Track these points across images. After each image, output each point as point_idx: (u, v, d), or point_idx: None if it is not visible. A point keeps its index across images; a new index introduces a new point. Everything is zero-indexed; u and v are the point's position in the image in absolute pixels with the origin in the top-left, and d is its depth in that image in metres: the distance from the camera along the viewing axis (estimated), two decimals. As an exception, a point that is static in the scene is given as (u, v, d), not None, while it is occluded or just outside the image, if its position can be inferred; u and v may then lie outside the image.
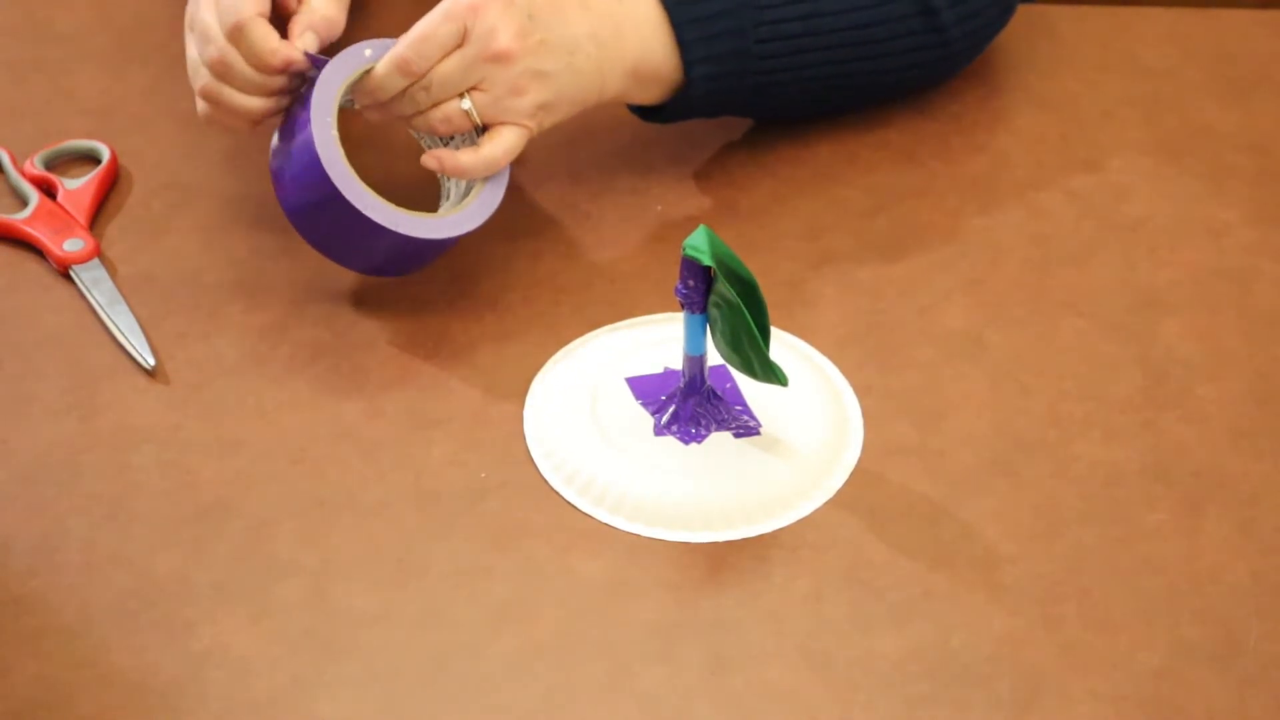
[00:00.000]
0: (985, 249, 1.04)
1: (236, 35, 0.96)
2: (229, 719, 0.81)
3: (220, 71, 0.98)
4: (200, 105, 1.01)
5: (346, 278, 1.02)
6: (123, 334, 0.98)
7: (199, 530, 0.89)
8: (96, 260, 1.03)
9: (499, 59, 0.97)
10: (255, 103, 0.99)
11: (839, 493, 0.90)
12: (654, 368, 0.95)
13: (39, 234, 1.04)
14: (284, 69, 0.97)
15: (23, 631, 0.84)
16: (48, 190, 1.08)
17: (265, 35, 0.97)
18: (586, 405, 0.94)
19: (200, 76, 0.99)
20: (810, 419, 0.93)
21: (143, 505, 0.90)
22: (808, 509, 0.89)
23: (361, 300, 1.01)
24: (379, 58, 0.97)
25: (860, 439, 0.93)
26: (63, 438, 0.94)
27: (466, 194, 1.00)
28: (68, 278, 1.03)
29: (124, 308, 1.00)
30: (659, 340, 0.97)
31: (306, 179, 0.96)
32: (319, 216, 0.97)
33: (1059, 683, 0.81)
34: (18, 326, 1.01)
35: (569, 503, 0.90)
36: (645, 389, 0.94)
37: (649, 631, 0.84)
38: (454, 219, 0.98)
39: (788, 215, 1.06)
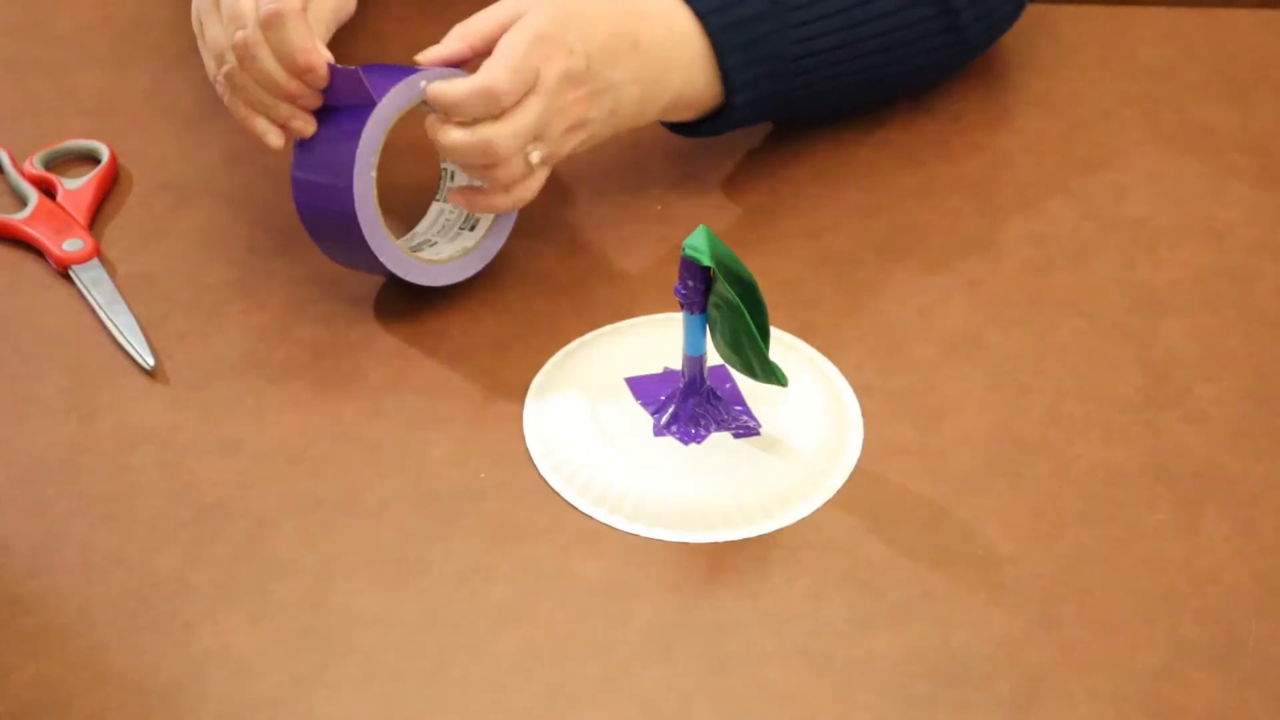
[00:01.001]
0: (985, 249, 1.04)
1: (273, 23, 0.92)
2: (229, 719, 0.81)
3: (242, 55, 0.94)
4: (222, 90, 0.97)
5: (346, 278, 1.02)
6: (122, 334, 0.98)
7: (199, 530, 0.89)
8: (96, 260, 1.03)
9: (562, 111, 0.96)
10: (270, 101, 0.95)
11: (839, 493, 0.90)
12: (654, 368, 0.95)
13: (39, 234, 1.04)
14: (304, 72, 0.93)
15: (23, 631, 0.84)
16: (47, 190, 1.08)
17: (302, 32, 0.93)
18: (586, 405, 0.94)
19: (227, 61, 0.95)
20: (810, 419, 0.93)
21: (143, 505, 0.90)
22: (808, 509, 0.89)
23: (361, 300, 1.01)
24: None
25: (860, 439, 0.92)
26: (63, 438, 0.94)
27: (470, 216, 1.01)
28: (67, 278, 1.03)
29: (123, 308, 1.00)
30: (659, 340, 0.97)
31: (333, 204, 0.95)
32: (331, 234, 0.97)
33: (1059, 683, 0.81)
34: (18, 326, 1.01)
35: (569, 503, 0.90)
36: (645, 389, 0.94)
37: (649, 631, 0.84)
38: (458, 265, 0.99)
39: (788, 215, 1.06)
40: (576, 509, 0.90)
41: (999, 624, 0.84)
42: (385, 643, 0.84)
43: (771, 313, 0.87)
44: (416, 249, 0.99)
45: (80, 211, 1.06)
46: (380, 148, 0.95)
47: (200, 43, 0.98)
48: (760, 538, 0.88)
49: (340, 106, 0.95)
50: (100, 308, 1.00)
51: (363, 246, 0.95)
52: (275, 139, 0.96)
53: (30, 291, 1.03)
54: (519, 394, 0.95)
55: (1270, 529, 0.88)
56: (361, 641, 0.84)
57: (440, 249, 1.00)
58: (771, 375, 0.87)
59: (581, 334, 0.99)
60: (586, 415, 0.93)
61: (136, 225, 1.07)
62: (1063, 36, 1.18)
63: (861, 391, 0.95)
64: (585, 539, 0.88)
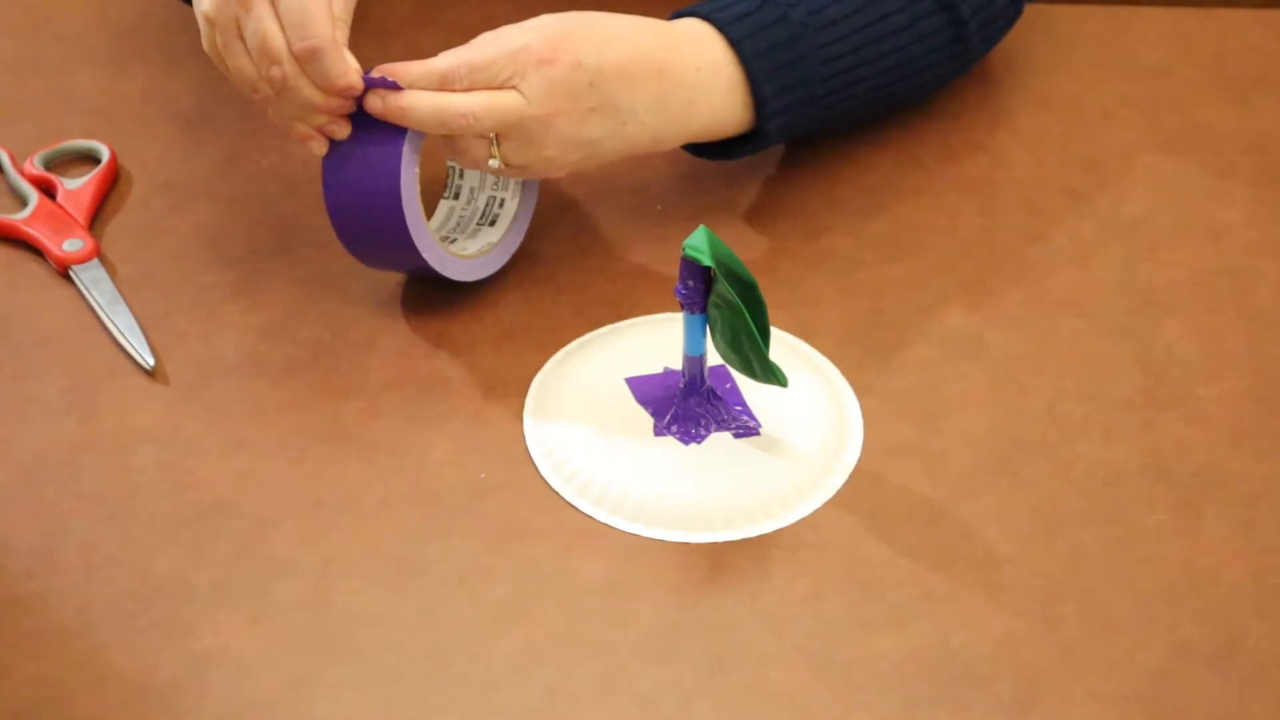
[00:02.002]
0: (985, 249, 1.04)
1: (310, 58, 0.91)
2: (229, 719, 0.81)
3: (279, 89, 0.93)
4: (274, 115, 0.96)
5: (346, 278, 1.02)
6: (122, 334, 0.98)
7: (199, 530, 0.89)
8: (96, 260, 1.03)
9: (548, 120, 0.94)
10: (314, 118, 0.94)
11: (839, 493, 0.90)
12: (654, 368, 0.95)
13: (38, 234, 1.04)
14: (345, 92, 0.93)
15: (23, 632, 0.84)
16: (47, 190, 1.08)
17: (338, 59, 0.91)
18: (586, 405, 0.94)
19: (260, 90, 0.94)
20: (810, 419, 0.93)
21: (143, 505, 0.90)
22: (808, 509, 0.89)
23: (361, 300, 1.01)
24: None
25: (860, 439, 0.93)
26: (63, 438, 0.94)
27: (487, 212, 1.01)
28: (67, 278, 1.03)
29: (123, 308, 1.00)
30: (659, 340, 0.97)
31: (377, 204, 0.94)
32: (371, 234, 0.96)
33: (1059, 683, 0.81)
34: (18, 326, 1.01)
35: (569, 503, 0.90)
36: (645, 389, 0.94)
37: (649, 631, 0.84)
38: (488, 259, 1.00)
39: (788, 215, 1.06)
40: (576, 509, 0.90)
41: (999, 624, 0.84)
42: (385, 643, 0.84)
43: (771, 313, 0.87)
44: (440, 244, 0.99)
45: (80, 211, 1.06)
46: (421, 145, 0.95)
47: (222, 67, 0.96)
48: (760, 538, 0.88)
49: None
50: (100, 308, 1.00)
51: (406, 244, 0.95)
52: (319, 147, 0.95)
53: (30, 291, 1.03)
54: (519, 394, 0.95)
55: (1270, 529, 0.88)
56: (361, 641, 0.84)
57: (463, 244, 1.00)
58: (771, 375, 0.87)
59: (581, 334, 0.99)
60: (586, 415, 0.93)
61: (136, 225, 1.07)
62: (1063, 36, 1.18)
63: (861, 391, 0.95)
64: (585, 539, 0.88)
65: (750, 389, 0.94)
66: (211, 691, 0.82)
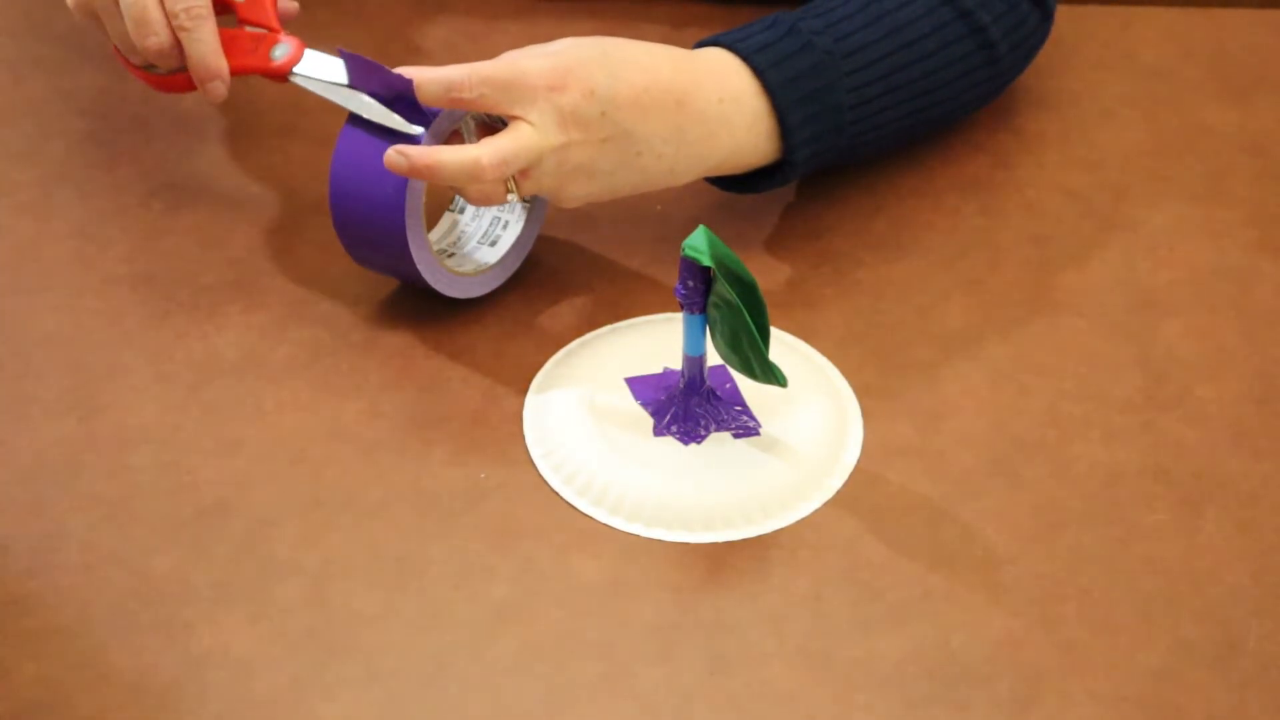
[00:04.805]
0: (985, 249, 1.04)
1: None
2: (229, 719, 0.81)
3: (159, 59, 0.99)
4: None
5: (346, 278, 1.02)
6: (369, 111, 0.94)
7: (199, 530, 0.89)
8: (307, 50, 0.98)
9: (561, 150, 0.92)
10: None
11: (839, 493, 0.90)
12: (654, 368, 0.95)
13: (250, 61, 0.99)
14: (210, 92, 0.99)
15: (23, 632, 0.84)
16: (226, 9, 1.02)
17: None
18: (586, 405, 0.94)
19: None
20: (810, 419, 0.93)
21: (143, 505, 0.90)
22: (807, 509, 0.89)
23: (361, 300, 1.01)
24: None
25: (860, 439, 0.93)
26: (63, 438, 0.94)
27: (489, 232, 1.01)
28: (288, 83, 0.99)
29: (348, 91, 0.96)
30: (659, 340, 0.97)
31: (381, 215, 0.94)
32: (370, 241, 0.96)
33: (1059, 683, 0.81)
34: (17, 326, 1.01)
35: (569, 503, 0.90)
36: (645, 389, 0.94)
37: (649, 631, 0.84)
38: (481, 279, 0.99)
39: (788, 215, 1.06)
40: (576, 509, 0.90)
41: (999, 624, 0.84)
42: (385, 643, 0.84)
43: (771, 313, 0.87)
44: (438, 257, 0.99)
45: (266, 18, 1.00)
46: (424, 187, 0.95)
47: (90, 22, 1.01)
48: (760, 538, 0.88)
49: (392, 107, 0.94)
50: (337, 96, 0.96)
51: (405, 257, 0.95)
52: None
53: (29, 292, 1.03)
54: (519, 394, 0.95)
55: (1270, 529, 0.88)
56: (361, 641, 0.84)
57: (460, 261, 1.00)
58: (771, 375, 0.87)
59: (581, 334, 0.99)
60: (586, 415, 0.93)
61: (136, 225, 1.07)
62: (1063, 36, 1.18)
63: (861, 391, 0.95)
64: (585, 539, 0.88)
65: (750, 389, 0.94)
66: (211, 691, 0.82)
